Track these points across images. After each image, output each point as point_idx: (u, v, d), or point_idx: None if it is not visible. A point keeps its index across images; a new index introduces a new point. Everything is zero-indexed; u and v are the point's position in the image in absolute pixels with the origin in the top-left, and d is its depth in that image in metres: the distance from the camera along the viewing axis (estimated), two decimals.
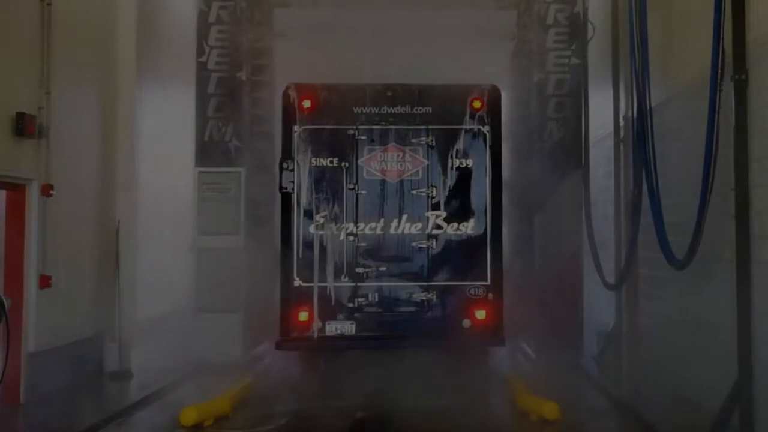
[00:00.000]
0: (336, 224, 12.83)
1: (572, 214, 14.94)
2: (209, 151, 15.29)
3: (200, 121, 15.36)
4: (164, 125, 14.83)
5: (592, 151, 15.26)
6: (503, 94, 13.82)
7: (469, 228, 12.92)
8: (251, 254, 15.06)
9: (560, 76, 15.55)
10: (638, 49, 11.74)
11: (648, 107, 11.47)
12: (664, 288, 11.94)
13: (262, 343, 15.17)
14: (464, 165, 12.99)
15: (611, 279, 14.08)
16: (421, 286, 12.85)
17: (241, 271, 14.89)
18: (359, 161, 12.95)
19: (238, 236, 15.03)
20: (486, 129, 13.01)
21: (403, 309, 12.82)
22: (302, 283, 12.67)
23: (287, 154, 12.90)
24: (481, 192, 12.98)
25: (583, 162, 15.19)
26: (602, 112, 14.82)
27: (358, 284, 12.78)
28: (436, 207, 12.92)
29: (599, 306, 14.80)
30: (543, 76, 15.64)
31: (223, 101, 15.35)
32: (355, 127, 12.93)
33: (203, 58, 15.37)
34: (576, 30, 15.57)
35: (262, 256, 15.17)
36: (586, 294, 15.04)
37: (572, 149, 15.26)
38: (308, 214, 12.85)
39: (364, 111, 12.98)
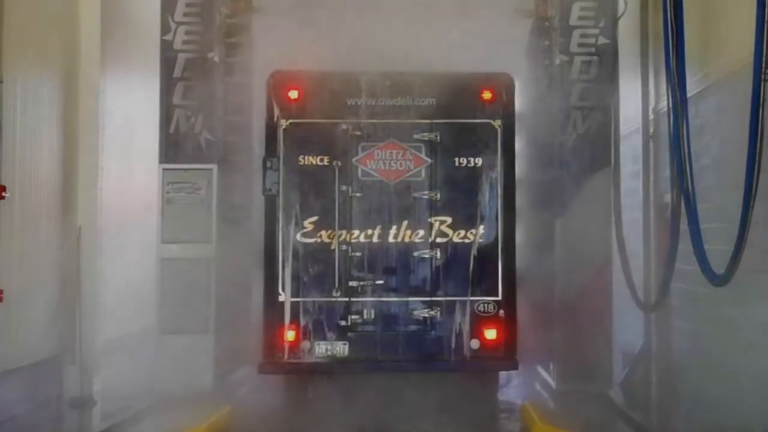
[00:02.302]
0: (327, 231, 14.05)
1: (600, 219, 15.97)
2: (176, 146, 16.12)
3: (165, 110, 16.16)
4: (130, 118, 15.99)
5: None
6: (519, 80, 15.00)
7: (478, 235, 14.13)
8: (225, 265, 16.01)
9: (586, 58, 16.48)
10: (672, 30, 12.68)
11: (681, 99, 12.44)
12: (700, 304, 12.89)
13: (239, 368, 16.31)
14: (472, 164, 14.21)
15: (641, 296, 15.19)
16: (423, 302, 14.06)
17: (213, 286, 15.91)
18: (353, 160, 14.15)
19: (210, 244, 15.96)
20: (497, 123, 14.21)
21: (402, 328, 14.01)
22: (288, 298, 13.85)
23: (271, 151, 14.09)
24: (491, 194, 14.19)
25: (612, 159, 16.20)
26: (629, 104, 15.94)
27: (352, 299, 13.99)
28: (440, 212, 14.14)
29: (625, 324, 15.86)
30: (566, 58, 16.51)
31: (192, 87, 16.14)
32: (348, 121, 14.15)
33: (168, 36, 16.22)
34: (604, 5, 16.52)
35: (238, 268, 16.16)
36: (616, 312, 16.04)
37: (600, 144, 16.24)
38: (295, 220, 14.02)
39: (359, 103, 14.19)
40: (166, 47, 16.38)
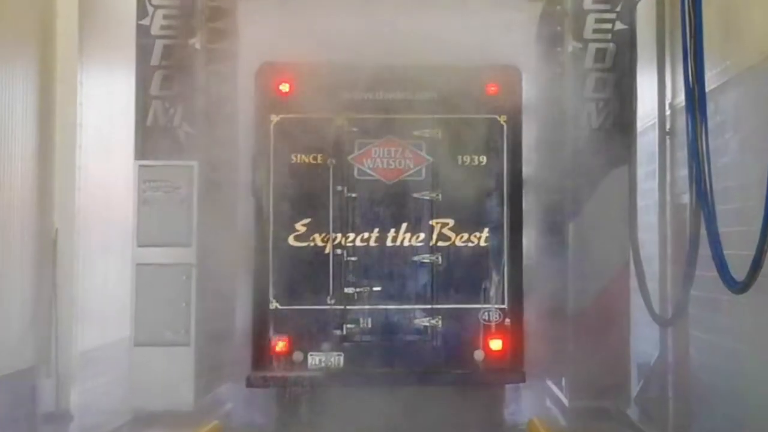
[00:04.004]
0: (321, 234, 15.06)
1: (615, 221, 16.67)
2: (153, 140, 16.74)
3: (141, 101, 16.76)
4: (111, 112, 16.77)
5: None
6: (527, 70, 15.91)
7: (482, 239, 15.18)
8: (207, 271, 16.79)
9: (602, 45, 17.09)
10: (690, 20, 13.24)
11: (699, 93, 13.06)
12: (720, 312, 13.58)
13: (224, 382, 17.31)
14: (476, 162, 15.25)
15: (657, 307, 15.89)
16: (424, 310, 15.08)
17: (193, 293, 16.56)
18: (349, 158, 15.18)
19: (190, 248, 16.60)
20: (503, 119, 15.25)
21: (401, 338, 15.03)
22: (279, 306, 14.92)
23: (261, 148, 15.11)
24: (497, 195, 15.23)
25: (630, 155, 16.94)
26: (645, 98, 16.81)
27: (348, 307, 15.02)
28: (441, 214, 15.16)
29: (640, 333, 16.64)
30: (579, 45, 17.13)
31: (171, 75, 16.79)
32: (344, 116, 15.14)
33: (145, 21, 16.83)
34: None
35: (221, 274, 17.13)
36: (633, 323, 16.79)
37: (615, 140, 16.90)
38: (287, 222, 15.05)
39: (355, 97, 15.21)
40: (143, 33, 16.90)
